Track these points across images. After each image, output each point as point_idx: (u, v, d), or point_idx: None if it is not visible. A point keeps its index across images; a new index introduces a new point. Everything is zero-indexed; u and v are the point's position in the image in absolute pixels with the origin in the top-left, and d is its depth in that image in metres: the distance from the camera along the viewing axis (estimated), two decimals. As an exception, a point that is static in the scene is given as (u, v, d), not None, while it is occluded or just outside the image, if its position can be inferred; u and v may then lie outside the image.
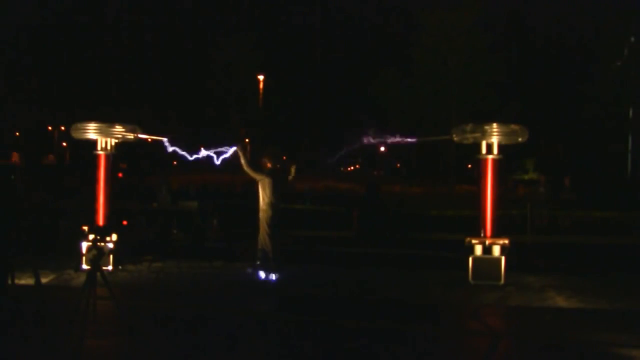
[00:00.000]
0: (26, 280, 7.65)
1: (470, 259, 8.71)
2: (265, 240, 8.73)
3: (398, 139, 9.24)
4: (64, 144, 46.21)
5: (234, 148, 8.99)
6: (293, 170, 8.96)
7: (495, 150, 8.88)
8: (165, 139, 9.50)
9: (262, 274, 8.77)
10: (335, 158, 9.30)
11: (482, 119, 9.70)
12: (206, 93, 39.71)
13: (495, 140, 8.83)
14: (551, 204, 16.39)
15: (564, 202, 17.40)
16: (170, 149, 9.40)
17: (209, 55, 39.55)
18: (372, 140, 9.23)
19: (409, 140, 9.39)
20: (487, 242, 8.72)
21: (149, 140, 10.17)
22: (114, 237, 9.28)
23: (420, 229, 14.93)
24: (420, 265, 10.39)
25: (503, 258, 8.64)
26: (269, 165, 8.94)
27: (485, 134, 8.84)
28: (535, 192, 16.81)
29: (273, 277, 8.70)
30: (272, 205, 8.73)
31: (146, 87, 41.21)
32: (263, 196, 8.77)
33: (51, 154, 32.27)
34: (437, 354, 5.76)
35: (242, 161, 8.86)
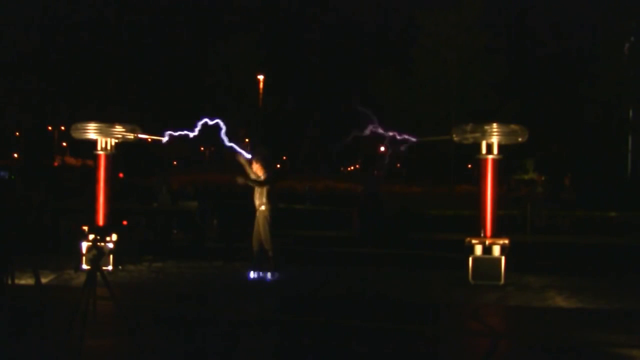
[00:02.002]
0: (26, 280, 7.65)
1: (470, 259, 8.71)
2: (267, 239, 8.70)
3: (397, 136, 9.19)
4: (64, 144, 46.24)
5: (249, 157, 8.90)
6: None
7: (495, 150, 8.87)
8: (164, 139, 9.49)
9: (252, 274, 8.77)
10: (340, 146, 9.17)
11: (482, 119, 9.69)
12: (206, 93, 39.70)
13: (495, 140, 8.82)
14: (550, 203, 16.40)
15: (564, 202, 17.40)
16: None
17: (208, 55, 39.55)
18: (377, 130, 9.12)
19: (409, 138, 9.36)
20: (487, 242, 8.72)
21: (149, 140, 10.17)
22: (114, 237, 9.28)
23: (420, 229, 14.93)
24: (420, 265, 10.39)
25: (503, 258, 8.64)
26: (259, 167, 8.82)
27: (485, 134, 8.83)
28: (533, 192, 16.80)
29: (269, 276, 8.69)
30: (269, 205, 8.74)
31: (146, 87, 41.20)
32: (259, 197, 8.76)
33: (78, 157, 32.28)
34: (437, 354, 5.76)
35: (247, 173, 8.86)
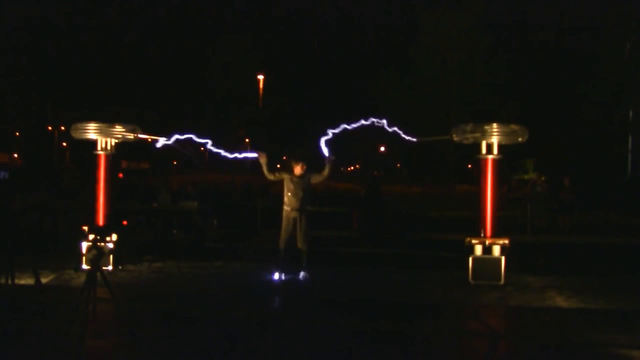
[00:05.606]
0: (26, 280, 7.65)
1: (470, 259, 8.71)
2: (308, 239, 8.77)
3: (398, 133, 9.16)
4: (64, 144, 46.24)
5: (256, 155, 8.98)
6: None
7: (495, 150, 8.87)
8: (164, 139, 9.47)
9: (277, 275, 8.76)
10: (337, 131, 8.99)
11: (482, 119, 9.68)
12: (206, 93, 39.72)
13: (495, 140, 8.82)
14: (549, 203, 16.39)
15: (564, 203, 17.39)
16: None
17: (208, 55, 39.55)
18: (377, 123, 9.04)
19: (408, 138, 9.34)
20: (487, 242, 8.72)
21: (149, 140, 10.16)
22: (114, 237, 9.27)
23: (420, 229, 14.93)
24: (420, 265, 10.38)
25: (503, 258, 8.64)
26: (299, 169, 8.80)
27: (485, 134, 8.83)
28: (533, 192, 16.80)
29: (301, 276, 8.80)
30: (298, 203, 8.78)
31: (146, 87, 41.23)
32: (300, 196, 8.74)
33: (147, 161, 32.02)
34: (437, 354, 5.76)
35: (264, 170, 8.90)
